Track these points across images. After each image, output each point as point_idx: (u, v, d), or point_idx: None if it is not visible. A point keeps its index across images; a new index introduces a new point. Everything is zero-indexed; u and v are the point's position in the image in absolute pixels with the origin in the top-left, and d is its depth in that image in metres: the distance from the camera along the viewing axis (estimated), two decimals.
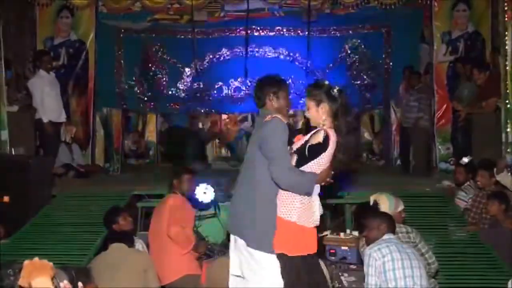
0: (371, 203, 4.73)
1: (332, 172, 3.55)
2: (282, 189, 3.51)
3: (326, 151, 3.47)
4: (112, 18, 9.07)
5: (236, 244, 3.71)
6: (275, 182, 3.49)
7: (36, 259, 2.04)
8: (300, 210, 3.48)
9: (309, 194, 3.45)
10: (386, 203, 4.63)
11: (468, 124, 7.48)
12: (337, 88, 3.57)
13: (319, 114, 3.55)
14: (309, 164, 3.49)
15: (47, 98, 7.33)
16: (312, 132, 3.57)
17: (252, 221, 3.56)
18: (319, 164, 3.49)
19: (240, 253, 3.67)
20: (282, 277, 3.46)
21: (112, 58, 9.13)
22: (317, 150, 3.48)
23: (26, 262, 2.02)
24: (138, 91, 9.34)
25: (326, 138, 3.46)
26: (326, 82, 3.64)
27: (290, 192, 3.48)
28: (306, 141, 3.55)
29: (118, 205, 5.75)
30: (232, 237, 3.78)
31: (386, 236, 4.03)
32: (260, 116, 3.76)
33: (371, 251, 3.93)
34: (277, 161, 3.44)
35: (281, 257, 3.48)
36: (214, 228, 6.18)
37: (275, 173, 3.43)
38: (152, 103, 9.45)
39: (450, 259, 5.24)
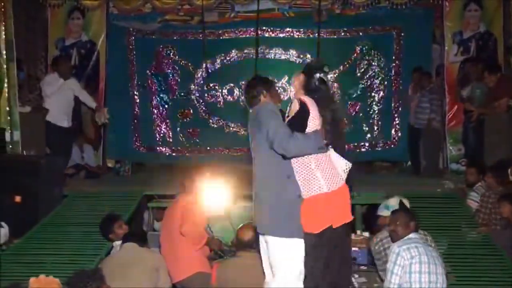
0: (396, 202, 4.81)
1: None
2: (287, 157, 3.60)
3: (310, 114, 3.58)
4: (123, 19, 9.10)
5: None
6: (283, 156, 3.58)
7: (41, 276, 2.04)
8: (326, 178, 3.55)
9: (322, 149, 3.54)
10: (408, 204, 4.79)
11: (479, 124, 7.41)
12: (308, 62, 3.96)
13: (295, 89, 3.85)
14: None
15: (54, 101, 7.36)
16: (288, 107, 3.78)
17: (269, 209, 3.68)
18: (312, 128, 3.60)
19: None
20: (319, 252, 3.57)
21: (123, 59, 9.14)
22: (301, 117, 3.60)
23: (32, 279, 2.02)
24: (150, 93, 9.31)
25: (302, 104, 3.60)
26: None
27: (307, 169, 3.56)
28: (287, 117, 3.73)
29: (113, 213, 5.66)
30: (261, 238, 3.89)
31: (412, 235, 4.02)
32: (253, 111, 3.88)
33: (400, 250, 3.88)
34: (276, 134, 3.52)
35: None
36: (224, 229, 6.16)
37: (280, 145, 3.52)
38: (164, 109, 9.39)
39: (461, 260, 5.22)
